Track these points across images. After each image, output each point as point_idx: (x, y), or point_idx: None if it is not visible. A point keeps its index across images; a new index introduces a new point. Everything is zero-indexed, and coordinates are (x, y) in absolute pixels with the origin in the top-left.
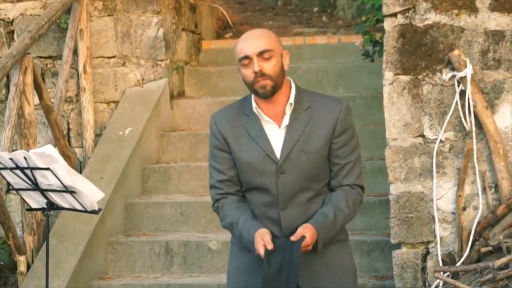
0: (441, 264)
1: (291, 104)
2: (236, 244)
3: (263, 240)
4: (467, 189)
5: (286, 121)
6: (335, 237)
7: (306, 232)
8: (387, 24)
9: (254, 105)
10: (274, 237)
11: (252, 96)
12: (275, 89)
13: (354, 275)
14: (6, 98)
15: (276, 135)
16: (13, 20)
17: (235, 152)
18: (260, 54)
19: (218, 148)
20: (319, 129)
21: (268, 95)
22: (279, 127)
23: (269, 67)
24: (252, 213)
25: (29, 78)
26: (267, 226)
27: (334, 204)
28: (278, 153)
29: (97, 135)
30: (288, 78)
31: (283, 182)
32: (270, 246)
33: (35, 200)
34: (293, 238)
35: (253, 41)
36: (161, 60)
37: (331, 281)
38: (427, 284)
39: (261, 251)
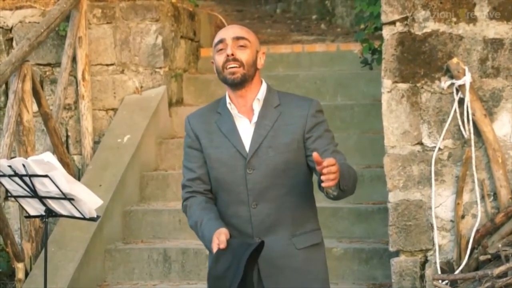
0: (439, 272)
1: (258, 99)
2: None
3: (218, 239)
4: (466, 197)
5: (255, 117)
6: (313, 239)
7: (329, 160)
8: (386, 32)
9: (228, 100)
10: (232, 238)
11: (227, 94)
12: (245, 78)
13: (324, 282)
14: (5, 105)
15: (247, 131)
16: (12, 27)
17: (207, 149)
18: (236, 39)
19: (190, 146)
20: (288, 125)
21: (236, 83)
22: (250, 122)
23: (243, 55)
24: (223, 213)
25: (28, 86)
26: (239, 224)
27: (343, 162)
28: (247, 149)
29: (96, 143)
30: (261, 78)
31: (252, 178)
32: (222, 245)
33: (34, 207)
34: (315, 154)
35: (231, 29)
36: (160, 68)
37: (296, 286)
38: None
39: (214, 250)
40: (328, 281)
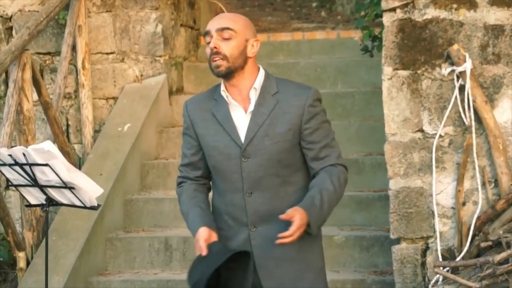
0: (440, 259)
1: (255, 88)
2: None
3: (198, 246)
4: (467, 184)
5: (251, 106)
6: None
7: (295, 215)
8: (386, 19)
9: (222, 87)
10: (238, 241)
11: (222, 80)
12: (230, 71)
13: (319, 273)
14: (5, 94)
15: (242, 120)
16: (11, 16)
17: (203, 137)
18: (220, 31)
19: (186, 132)
20: (285, 114)
21: (221, 75)
22: (245, 112)
23: (227, 47)
24: (220, 200)
25: (28, 74)
26: (235, 212)
27: (318, 185)
28: (243, 138)
29: (96, 131)
30: (259, 65)
31: (247, 167)
32: (203, 253)
33: (34, 196)
34: (282, 216)
35: (218, 19)
36: (160, 56)
37: (289, 276)
38: (426, 279)
39: (197, 252)
40: (324, 271)
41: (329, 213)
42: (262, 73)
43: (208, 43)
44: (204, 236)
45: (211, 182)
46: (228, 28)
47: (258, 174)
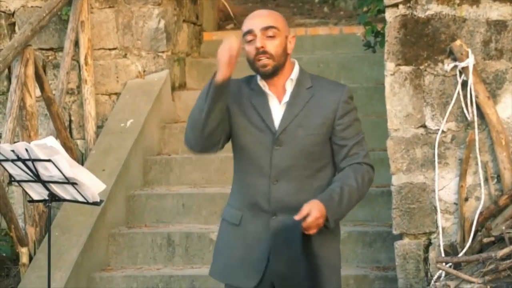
0: (443, 255)
1: (291, 79)
2: (226, 219)
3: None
4: (469, 179)
5: (286, 97)
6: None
7: (311, 211)
8: (389, 14)
9: (259, 77)
10: (258, 225)
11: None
12: (276, 69)
13: (335, 270)
14: (8, 90)
15: (277, 110)
16: (14, 12)
17: (235, 116)
18: (265, 29)
19: None
20: (320, 108)
21: (268, 75)
22: (280, 102)
23: (272, 46)
24: (242, 182)
25: (31, 70)
26: (256, 196)
27: (341, 179)
28: (277, 125)
29: (99, 127)
30: (293, 60)
31: (277, 154)
32: (235, 43)
33: (37, 192)
34: (296, 217)
35: (259, 17)
36: (163, 52)
37: (305, 270)
38: (429, 275)
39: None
40: (339, 269)
41: (349, 209)
42: (297, 66)
43: (249, 41)
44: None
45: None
46: (272, 27)
47: (287, 163)
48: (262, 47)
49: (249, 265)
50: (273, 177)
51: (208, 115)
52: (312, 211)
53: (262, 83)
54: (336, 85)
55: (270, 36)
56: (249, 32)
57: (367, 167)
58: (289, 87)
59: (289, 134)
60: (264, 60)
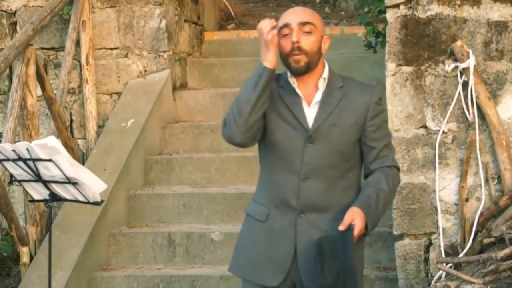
0: (443, 255)
1: (324, 78)
2: (251, 214)
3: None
4: (470, 180)
5: (318, 96)
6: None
7: (355, 219)
8: (390, 15)
9: (289, 75)
10: (283, 225)
11: (287, 71)
12: (309, 67)
13: (358, 273)
14: (9, 89)
15: (306, 109)
16: (15, 11)
17: (268, 111)
18: (302, 24)
19: None
20: (351, 108)
21: (300, 72)
22: (309, 105)
23: (308, 42)
24: (270, 178)
25: (32, 70)
26: (284, 193)
27: (375, 185)
28: (310, 123)
29: (100, 127)
30: (324, 60)
31: (309, 152)
32: (271, 23)
33: (38, 192)
34: (341, 227)
35: (297, 12)
36: (164, 52)
37: (353, 280)
38: (429, 275)
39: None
40: (362, 273)
41: (382, 215)
42: (327, 66)
43: (284, 35)
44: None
45: (260, 159)
46: (309, 23)
47: (319, 161)
48: (297, 41)
49: (274, 263)
50: (303, 174)
51: (255, 104)
52: (356, 222)
53: (292, 80)
54: (366, 86)
55: (307, 32)
56: (286, 25)
57: (395, 170)
58: (322, 86)
59: (322, 133)
60: (298, 56)
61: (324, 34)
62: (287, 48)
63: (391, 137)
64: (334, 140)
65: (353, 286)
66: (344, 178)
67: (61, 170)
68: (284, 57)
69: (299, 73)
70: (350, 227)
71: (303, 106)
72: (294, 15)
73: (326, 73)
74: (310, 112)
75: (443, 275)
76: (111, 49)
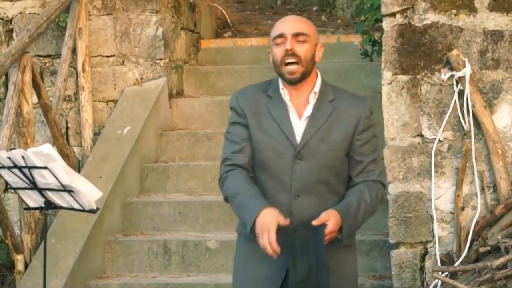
0: (439, 264)
1: (315, 92)
2: (242, 234)
3: (270, 243)
4: (466, 189)
5: (308, 111)
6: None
7: (330, 219)
8: (386, 23)
9: (281, 86)
10: (278, 241)
11: (279, 79)
12: (303, 76)
13: (354, 284)
14: (5, 96)
15: (296, 124)
16: (12, 18)
17: (254, 130)
18: (296, 35)
19: (236, 121)
20: (342, 122)
21: (294, 81)
22: (299, 118)
23: (301, 50)
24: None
25: (28, 77)
26: None
27: (357, 194)
28: (297, 139)
29: (96, 134)
30: (317, 70)
31: (299, 169)
32: (287, 222)
33: (33, 199)
34: (314, 222)
35: (291, 22)
36: (160, 59)
37: (326, 276)
38: (425, 284)
39: (273, 232)
40: (357, 283)
41: (361, 225)
42: (320, 77)
43: (278, 44)
44: (273, 223)
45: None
46: (303, 34)
47: (309, 178)
48: (292, 49)
49: (264, 282)
50: (294, 192)
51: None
52: (330, 222)
53: (283, 92)
54: (358, 99)
55: (301, 41)
56: (280, 36)
57: (380, 185)
58: (312, 99)
59: (311, 148)
60: (292, 66)
61: (318, 43)
62: (280, 55)
63: (378, 153)
64: (323, 156)
65: (326, 279)
66: (334, 192)
67: (56, 178)
68: (276, 65)
69: (294, 83)
70: (323, 224)
71: (292, 119)
72: (289, 25)
73: (318, 86)
74: (300, 127)
75: (439, 284)
76: (107, 56)
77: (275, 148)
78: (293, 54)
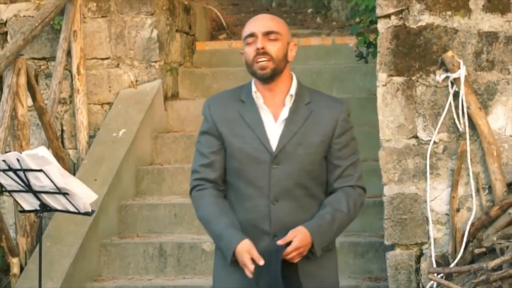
0: (435, 266)
1: (291, 95)
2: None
3: (250, 254)
4: (461, 190)
5: (285, 113)
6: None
7: (296, 236)
8: (381, 25)
9: (254, 89)
10: (259, 248)
11: (253, 81)
12: (275, 73)
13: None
14: None
15: (272, 127)
16: (6, 21)
17: (227, 137)
18: (267, 34)
19: (206, 131)
20: (318, 125)
21: (266, 78)
22: (275, 120)
23: (273, 48)
24: (239, 205)
25: (23, 80)
26: (256, 220)
27: (332, 205)
28: (273, 143)
29: (91, 137)
30: (291, 72)
31: (276, 174)
32: (261, 262)
33: (28, 202)
34: (279, 242)
35: (262, 21)
36: (155, 62)
37: None
38: (421, 286)
39: (251, 267)
40: (338, 286)
41: (337, 235)
42: (295, 80)
43: (249, 43)
44: (252, 246)
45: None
46: (274, 32)
47: (287, 182)
48: (263, 48)
49: None
50: (272, 197)
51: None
52: (295, 240)
53: (256, 96)
54: (335, 101)
55: (272, 40)
56: (251, 35)
57: (359, 190)
58: (288, 102)
59: (288, 153)
60: (263, 62)
61: (291, 41)
62: (251, 55)
63: (358, 156)
64: (300, 160)
65: None
66: (313, 196)
67: (51, 181)
68: (248, 64)
69: (265, 79)
70: (284, 246)
71: (268, 122)
72: (259, 24)
73: (293, 89)
74: (276, 130)
75: (434, 285)
76: (102, 59)
77: (250, 154)
78: (265, 53)
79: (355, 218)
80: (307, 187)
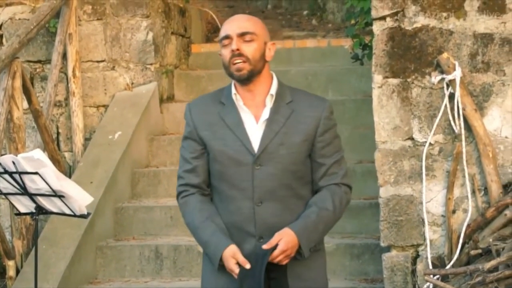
0: (431, 267)
1: (271, 95)
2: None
3: (235, 258)
4: (457, 192)
5: (266, 114)
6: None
7: (281, 239)
8: (376, 27)
9: (233, 91)
10: (245, 251)
11: (232, 83)
12: (252, 74)
13: None
14: None
15: (253, 127)
16: (1, 24)
17: (208, 140)
18: (241, 35)
19: (188, 136)
20: (300, 124)
21: (243, 79)
22: (257, 121)
23: (248, 49)
24: (224, 208)
25: (18, 83)
26: (241, 222)
27: (318, 204)
28: (255, 144)
29: (87, 139)
30: (272, 72)
31: (259, 175)
32: (247, 266)
33: (24, 205)
34: (265, 246)
35: (237, 22)
36: (151, 64)
37: None
38: (417, 287)
39: (236, 270)
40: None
41: (324, 234)
42: (275, 79)
43: (225, 45)
44: (237, 250)
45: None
46: (249, 33)
47: (271, 183)
48: (238, 49)
49: None
50: (256, 198)
51: None
52: (281, 243)
53: (235, 97)
54: (317, 99)
55: (247, 41)
56: (226, 37)
57: (345, 188)
58: (269, 102)
59: (270, 153)
60: (239, 64)
61: (268, 41)
62: (227, 57)
63: (342, 154)
64: (283, 160)
65: None
66: (298, 196)
67: (47, 183)
68: (226, 66)
69: (242, 81)
70: (269, 250)
71: (248, 124)
72: (234, 25)
73: (274, 89)
74: (258, 131)
75: (431, 287)
76: (97, 61)
77: (231, 156)
78: (240, 55)
79: (341, 216)
80: (292, 188)
